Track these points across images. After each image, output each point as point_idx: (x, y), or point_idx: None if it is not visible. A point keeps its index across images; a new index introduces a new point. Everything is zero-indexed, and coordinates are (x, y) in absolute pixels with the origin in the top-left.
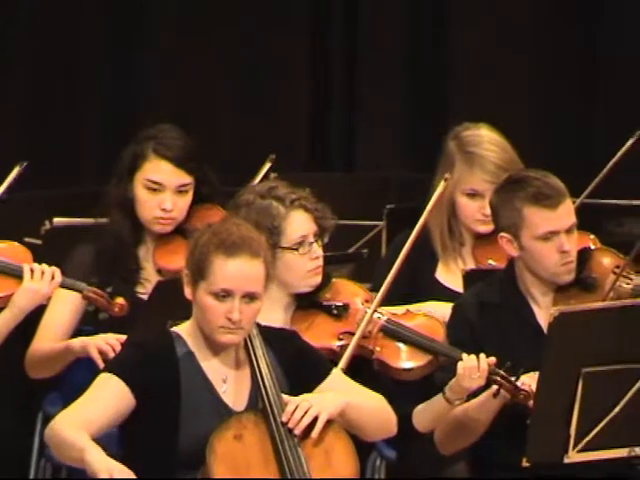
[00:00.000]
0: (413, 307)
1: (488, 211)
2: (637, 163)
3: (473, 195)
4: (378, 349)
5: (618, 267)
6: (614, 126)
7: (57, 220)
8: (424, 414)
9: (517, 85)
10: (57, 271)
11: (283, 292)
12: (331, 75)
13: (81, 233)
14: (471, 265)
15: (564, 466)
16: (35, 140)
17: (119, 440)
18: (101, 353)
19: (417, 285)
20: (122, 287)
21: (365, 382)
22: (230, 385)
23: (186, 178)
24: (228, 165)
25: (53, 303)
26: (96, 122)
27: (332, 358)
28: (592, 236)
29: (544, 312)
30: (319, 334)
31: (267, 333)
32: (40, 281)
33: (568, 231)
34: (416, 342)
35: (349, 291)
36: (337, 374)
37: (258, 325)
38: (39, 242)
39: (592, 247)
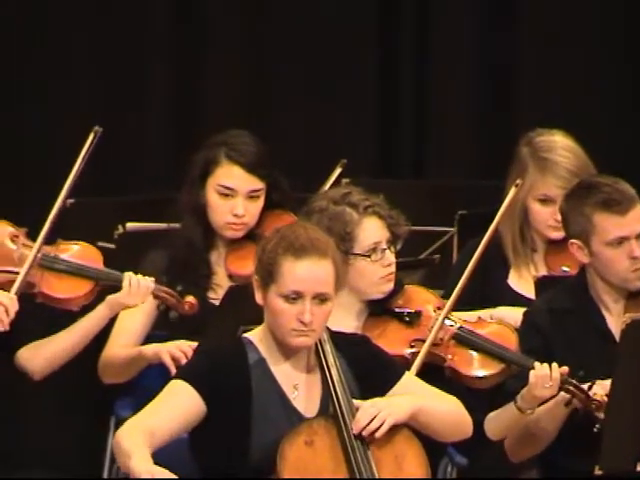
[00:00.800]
0: (484, 313)
1: (560, 217)
2: None
3: (545, 201)
4: (450, 357)
5: None
6: None
7: (130, 225)
8: (496, 422)
9: (589, 88)
10: (148, 282)
11: (355, 299)
12: (401, 80)
13: (153, 238)
14: (543, 271)
15: (637, 475)
16: (105, 142)
17: (190, 447)
18: (173, 359)
19: (489, 291)
20: (194, 292)
21: (441, 387)
22: (301, 391)
23: (258, 184)
24: (297, 170)
25: (126, 310)
26: (162, 124)
27: (403, 365)
28: None
29: (615, 319)
30: (391, 341)
31: (338, 338)
32: (136, 293)
33: (638, 237)
34: (488, 350)
35: (421, 298)
36: (409, 377)
37: (329, 330)
38: (112, 246)
39: None
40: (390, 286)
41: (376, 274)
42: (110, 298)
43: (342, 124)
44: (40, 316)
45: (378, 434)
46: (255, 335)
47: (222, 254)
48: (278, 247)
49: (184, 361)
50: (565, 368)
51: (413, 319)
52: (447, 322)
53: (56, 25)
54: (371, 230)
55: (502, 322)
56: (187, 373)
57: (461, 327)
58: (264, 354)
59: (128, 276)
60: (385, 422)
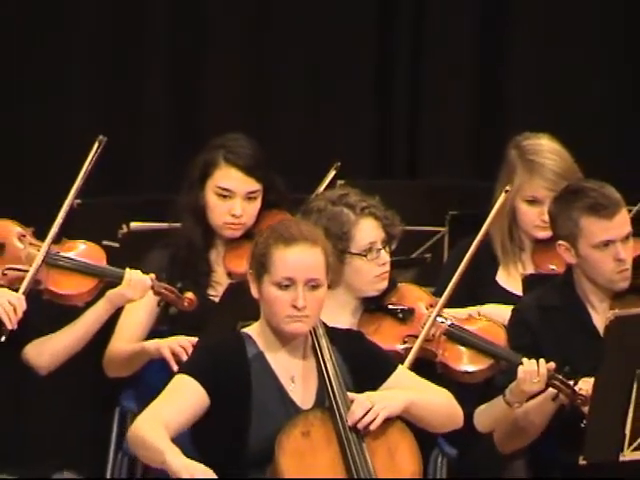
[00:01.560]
0: (474, 309)
1: (547, 217)
2: None
3: (533, 202)
4: (441, 352)
5: None
6: None
7: (134, 225)
8: (485, 415)
9: (577, 94)
10: (145, 278)
11: (351, 296)
12: (396, 83)
13: (156, 237)
14: (530, 269)
15: (618, 465)
16: (110, 146)
17: (190, 439)
18: (173, 354)
19: (478, 288)
20: (194, 289)
21: (433, 380)
22: (298, 383)
23: (255, 185)
24: (293, 171)
25: (129, 305)
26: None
27: (397, 359)
28: None
29: (601, 317)
30: (385, 337)
31: (334, 334)
32: (135, 287)
33: (624, 240)
34: (478, 346)
35: (414, 296)
36: (403, 371)
37: (325, 326)
38: (116, 245)
39: None
40: (385, 284)
41: (371, 273)
42: (110, 292)
43: (339, 125)
44: (45, 313)
45: (372, 427)
46: (253, 330)
47: (221, 253)
48: (269, 238)
49: (184, 356)
50: (552, 364)
51: (406, 316)
52: (439, 319)
53: (56, 26)
54: (367, 230)
55: (491, 319)
56: (191, 368)
57: (452, 324)
58: (262, 348)
59: (128, 272)
60: (379, 415)
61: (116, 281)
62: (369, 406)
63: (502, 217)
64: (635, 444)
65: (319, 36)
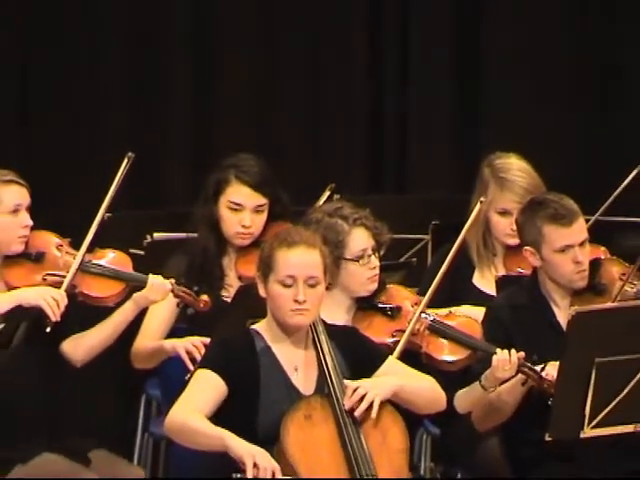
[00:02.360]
0: (454, 309)
1: (515, 227)
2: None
3: (504, 213)
4: (425, 344)
5: (624, 275)
6: (623, 157)
7: (157, 235)
8: (463, 398)
9: (543, 119)
10: (166, 283)
11: (346, 296)
12: (385, 112)
13: (175, 246)
14: (502, 272)
15: (580, 442)
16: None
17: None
18: (188, 353)
19: (457, 289)
20: (209, 292)
21: (418, 369)
22: (300, 373)
23: (262, 200)
24: (293, 188)
25: (152, 306)
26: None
27: (388, 351)
28: (603, 248)
29: (563, 313)
30: (376, 331)
31: (331, 329)
32: (157, 291)
33: (581, 245)
34: (457, 339)
35: (401, 295)
36: (392, 360)
37: (324, 323)
38: (142, 252)
39: (602, 258)
40: (375, 286)
41: (363, 276)
42: (136, 295)
43: (335, 146)
44: (79, 313)
45: (372, 413)
46: (261, 326)
47: (232, 259)
48: (274, 242)
49: (197, 354)
50: (522, 353)
51: (394, 313)
52: (423, 315)
53: (90, 54)
54: (359, 239)
55: (468, 316)
56: (210, 362)
57: (434, 319)
58: (269, 342)
59: (151, 277)
60: (374, 402)
61: (141, 285)
62: (362, 393)
63: (477, 226)
64: (594, 423)
65: (309, 61)
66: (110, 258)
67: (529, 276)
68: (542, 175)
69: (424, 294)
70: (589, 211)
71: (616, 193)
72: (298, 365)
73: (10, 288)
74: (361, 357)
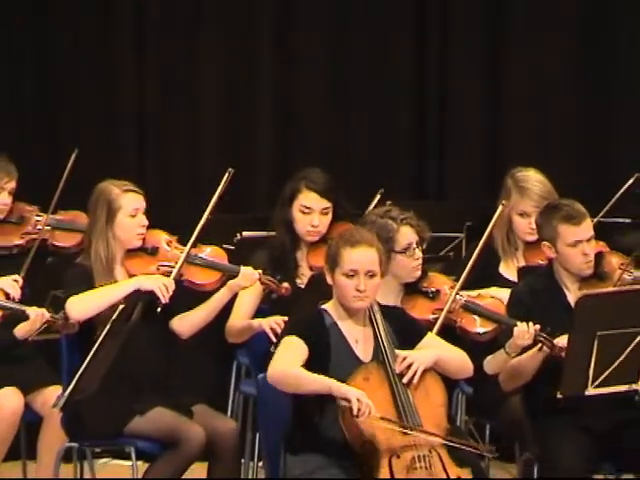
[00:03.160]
0: (483, 291)
1: (534, 226)
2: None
3: (523, 215)
4: (459, 320)
5: (623, 264)
6: (624, 166)
7: (245, 233)
8: (491, 363)
9: (558, 139)
10: (255, 273)
11: (396, 282)
12: (428, 124)
13: (260, 242)
14: (523, 263)
15: (585, 398)
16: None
17: None
18: (272, 329)
19: (486, 276)
20: (287, 280)
21: (452, 342)
22: (360, 344)
23: (327, 204)
24: (353, 193)
25: (242, 291)
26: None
27: (429, 327)
28: (602, 243)
29: (573, 295)
30: (419, 311)
31: (384, 309)
32: (247, 279)
33: (588, 240)
34: (486, 315)
35: (439, 281)
36: (431, 336)
37: (379, 304)
38: (233, 248)
39: (604, 251)
40: (419, 273)
41: (410, 265)
42: (230, 282)
43: (385, 158)
44: (185, 297)
45: (415, 378)
46: (329, 306)
47: (304, 253)
48: (340, 241)
49: (278, 329)
50: (537, 325)
51: (434, 295)
52: (457, 297)
53: (192, 84)
54: (406, 235)
55: (494, 297)
56: (295, 330)
57: (467, 300)
58: (335, 319)
59: (243, 268)
60: (418, 369)
61: (234, 274)
62: (410, 361)
63: (502, 226)
64: (596, 383)
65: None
66: (209, 252)
67: (545, 266)
68: (554, 184)
69: (458, 280)
70: (593, 214)
71: (613, 200)
72: (358, 338)
73: (130, 275)
74: (407, 332)
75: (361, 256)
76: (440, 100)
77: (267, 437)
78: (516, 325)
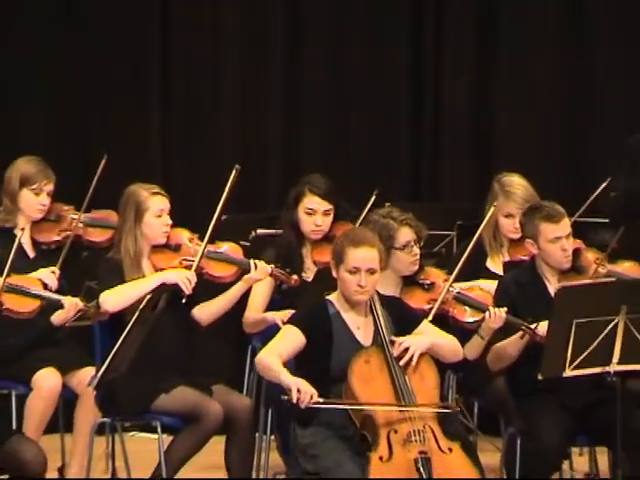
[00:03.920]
0: (472, 283)
1: (517, 225)
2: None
3: (508, 216)
4: (452, 310)
5: (598, 259)
6: (598, 170)
7: (259, 231)
8: (468, 348)
9: (539, 147)
10: (267, 267)
11: (395, 275)
12: (423, 127)
13: (271, 239)
14: (507, 258)
15: (563, 379)
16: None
17: (295, 365)
18: (283, 322)
19: (475, 270)
20: (294, 273)
21: (445, 330)
22: (361, 330)
23: (329, 205)
24: (350, 195)
25: (256, 284)
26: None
27: (424, 315)
28: (579, 240)
29: (553, 287)
30: (416, 301)
31: (384, 299)
32: (260, 272)
33: (567, 237)
34: (475, 306)
35: (434, 274)
36: (426, 323)
37: (379, 294)
38: (248, 244)
39: (581, 247)
40: (416, 268)
41: (408, 260)
42: (246, 276)
43: (382, 160)
44: (204, 288)
45: (413, 361)
46: (333, 297)
47: (309, 249)
48: (344, 240)
49: None
50: (505, 308)
51: (429, 287)
52: (450, 289)
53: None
54: (405, 234)
55: (483, 289)
56: (294, 320)
57: (459, 292)
58: (338, 308)
59: (257, 262)
60: (415, 353)
61: (249, 268)
62: (407, 345)
63: (489, 226)
64: (573, 365)
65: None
66: (226, 248)
67: (529, 261)
68: (536, 188)
69: (451, 273)
70: (570, 214)
71: (588, 202)
72: (360, 325)
73: (156, 269)
74: (405, 320)
75: (363, 255)
76: (436, 101)
77: (278, 412)
78: (487, 310)
